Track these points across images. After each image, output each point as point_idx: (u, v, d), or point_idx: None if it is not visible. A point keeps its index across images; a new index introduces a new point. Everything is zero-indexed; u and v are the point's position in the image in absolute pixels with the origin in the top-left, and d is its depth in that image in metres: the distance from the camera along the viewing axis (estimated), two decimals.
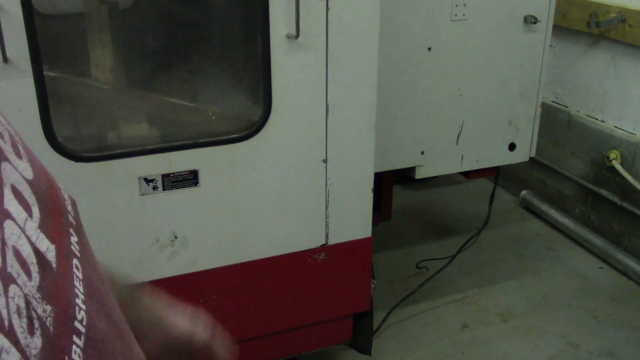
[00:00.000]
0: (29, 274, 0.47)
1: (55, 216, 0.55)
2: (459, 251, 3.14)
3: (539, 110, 2.89)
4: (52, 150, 1.81)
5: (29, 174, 0.54)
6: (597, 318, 3.09)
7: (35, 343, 0.45)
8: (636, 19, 3.17)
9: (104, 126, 2.16)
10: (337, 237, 2.31)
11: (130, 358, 0.58)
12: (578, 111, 3.72)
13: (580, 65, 3.66)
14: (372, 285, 2.55)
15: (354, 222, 2.32)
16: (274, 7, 1.92)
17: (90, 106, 2.19)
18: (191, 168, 2.00)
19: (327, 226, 2.27)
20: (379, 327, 2.90)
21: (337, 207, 2.26)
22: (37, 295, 0.47)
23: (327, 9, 1.98)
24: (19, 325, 0.43)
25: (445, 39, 2.58)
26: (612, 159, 3.42)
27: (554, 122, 3.85)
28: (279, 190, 2.15)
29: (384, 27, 2.19)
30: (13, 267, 0.46)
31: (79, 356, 0.49)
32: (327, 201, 2.23)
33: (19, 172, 0.52)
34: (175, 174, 1.99)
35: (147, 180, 1.97)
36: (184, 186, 2.01)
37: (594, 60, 3.55)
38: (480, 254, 3.56)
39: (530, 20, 2.68)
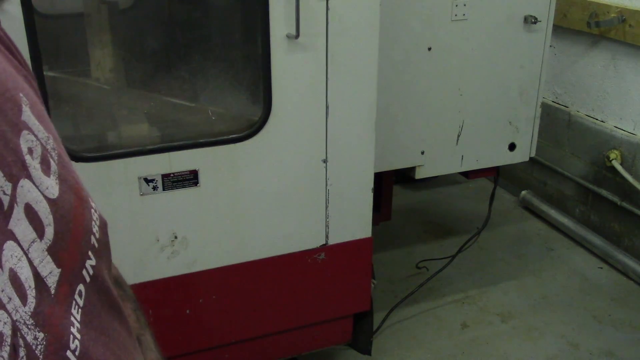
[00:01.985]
0: (24, 298, 0.46)
1: (74, 237, 0.54)
2: (459, 251, 3.14)
3: (539, 110, 2.89)
4: None
5: (53, 192, 0.52)
6: (597, 318, 3.09)
7: None
8: (636, 19, 3.17)
9: (104, 126, 2.16)
10: (337, 237, 2.31)
11: None
12: (578, 111, 3.72)
13: (580, 65, 3.65)
14: (372, 285, 2.55)
15: (354, 222, 2.32)
16: (274, 7, 1.92)
17: (90, 106, 2.19)
18: (191, 168, 2.00)
19: (327, 226, 2.27)
20: (379, 327, 2.90)
21: (337, 207, 2.26)
22: (30, 322, 0.46)
23: (327, 9, 1.98)
24: None
25: (445, 39, 2.58)
26: (612, 159, 3.41)
27: (554, 122, 3.85)
28: (278, 190, 2.15)
29: (384, 27, 2.19)
30: (4, 291, 0.45)
31: None
32: (327, 201, 2.23)
33: (40, 190, 0.51)
34: (175, 174, 1.99)
35: (147, 180, 1.97)
36: (184, 186, 2.01)
37: (594, 60, 3.55)
38: (480, 254, 3.56)
39: (530, 20, 2.68)
